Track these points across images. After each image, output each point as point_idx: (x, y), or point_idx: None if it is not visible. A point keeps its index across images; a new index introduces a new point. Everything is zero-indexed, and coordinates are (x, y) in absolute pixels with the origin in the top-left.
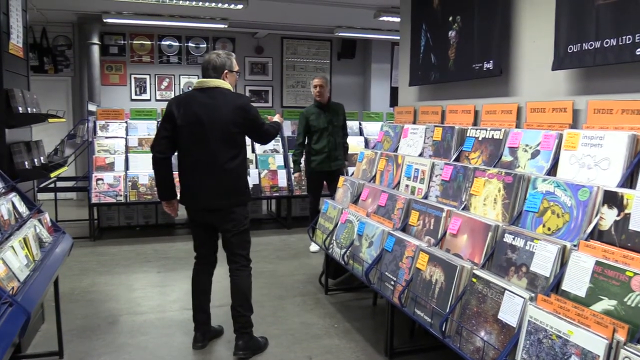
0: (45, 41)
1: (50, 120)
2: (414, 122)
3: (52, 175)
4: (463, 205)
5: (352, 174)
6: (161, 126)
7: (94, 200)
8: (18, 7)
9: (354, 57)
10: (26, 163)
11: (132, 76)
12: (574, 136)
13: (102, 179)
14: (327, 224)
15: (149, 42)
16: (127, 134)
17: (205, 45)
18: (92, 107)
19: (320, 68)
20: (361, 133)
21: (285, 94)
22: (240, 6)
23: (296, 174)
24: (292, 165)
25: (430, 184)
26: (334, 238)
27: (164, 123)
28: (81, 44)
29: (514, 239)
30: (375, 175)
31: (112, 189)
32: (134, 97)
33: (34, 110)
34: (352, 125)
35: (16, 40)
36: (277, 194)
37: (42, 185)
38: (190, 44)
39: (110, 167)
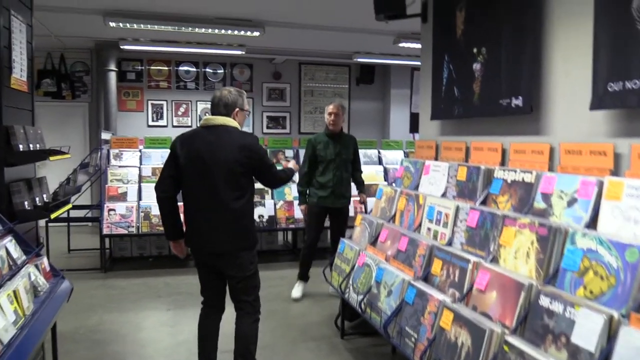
0: (63, 67)
1: (51, 158)
2: (436, 158)
3: (53, 215)
4: (491, 257)
5: (371, 211)
6: (165, 165)
7: (106, 231)
8: (22, 39)
9: (372, 83)
10: (26, 203)
11: (149, 102)
12: (617, 185)
13: (114, 210)
14: (344, 266)
15: (167, 68)
16: (140, 163)
17: (222, 71)
18: (105, 136)
19: (339, 94)
20: (380, 162)
21: (303, 120)
22: (257, 33)
23: (302, 206)
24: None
25: (455, 229)
26: (350, 282)
27: (167, 161)
28: (99, 70)
29: (551, 302)
30: (394, 215)
31: (124, 220)
32: (150, 123)
33: (38, 146)
34: (371, 153)
35: (19, 74)
36: (293, 226)
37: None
38: (207, 70)
39: (122, 197)
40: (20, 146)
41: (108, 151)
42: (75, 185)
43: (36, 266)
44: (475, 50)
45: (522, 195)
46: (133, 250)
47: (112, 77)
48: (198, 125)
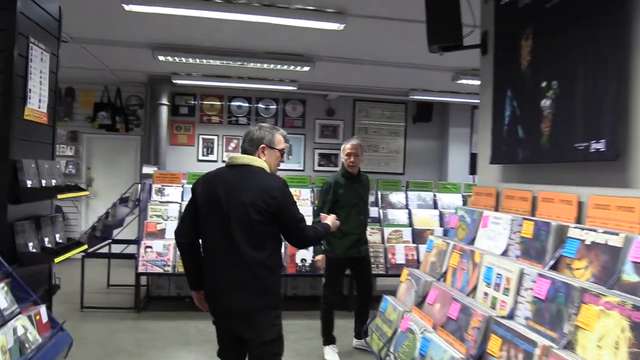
0: (118, 101)
1: (60, 196)
2: (496, 209)
3: (57, 260)
4: (566, 341)
5: (418, 266)
6: (186, 207)
7: (141, 269)
8: (44, 69)
9: (430, 121)
10: (30, 244)
11: (200, 136)
12: None
13: (150, 247)
14: (386, 328)
15: (219, 103)
16: (182, 199)
17: (275, 107)
18: (148, 170)
19: (394, 132)
20: (435, 206)
21: None
22: (307, 68)
23: (319, 257)
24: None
25: (518, 298)
26: (392, 349)
27: (188, 204)
28: (152, 104)
29: None
30: (446, 273)
31: (161, 258)
32: (200, 157)
33: (54, 182)
34: (425, 196)
35: (37, 105)
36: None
37: (90, 251)
38: (260, 105)
39: (161, 233)
40: (29, 182)
41: (150, 186)
42: (115, 219)
43: (29, 317)
44: (544, 84)
45: (605, 262)
46: (171, 289)
47: (164, 110)
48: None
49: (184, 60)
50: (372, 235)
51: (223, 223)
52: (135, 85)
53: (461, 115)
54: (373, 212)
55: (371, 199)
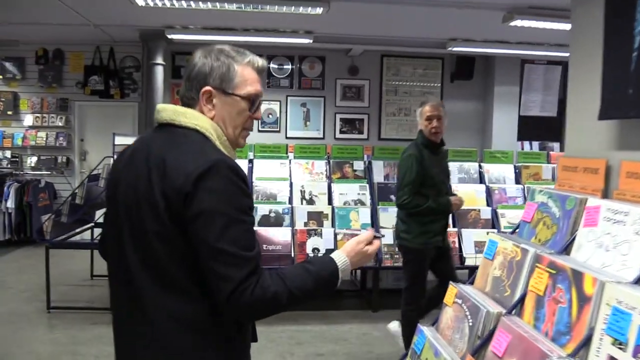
0: (112, 63)
1: None
2: (605, 194)
3: None
4: None
5: (473, 279)
6: None
7: None
8: None
9: (471, 78)
10: None
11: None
12: None
13: None
14: None
15: None
16: None
17: (290, 66)
18: (123, 140)
19: (429, 92)
20: (481, 180)
21: (384, 123)
22: (319, 10)
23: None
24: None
25: None
26: None
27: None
28: (148, 65)
29: None
30: (522, 301)
31: None
32: None
33: None
34: (468, 167)
35: None
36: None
37: (59, 239)
38: (272, 65)
39: None
40: None
41: None
42: (89, 201)
43: None
44: None
45: None
46: None
47: (159, 71)
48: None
49: (167, 3)
50: None
51: (117, 238)
52: (130, 44)
53: (509, 71)
54: None
55: None
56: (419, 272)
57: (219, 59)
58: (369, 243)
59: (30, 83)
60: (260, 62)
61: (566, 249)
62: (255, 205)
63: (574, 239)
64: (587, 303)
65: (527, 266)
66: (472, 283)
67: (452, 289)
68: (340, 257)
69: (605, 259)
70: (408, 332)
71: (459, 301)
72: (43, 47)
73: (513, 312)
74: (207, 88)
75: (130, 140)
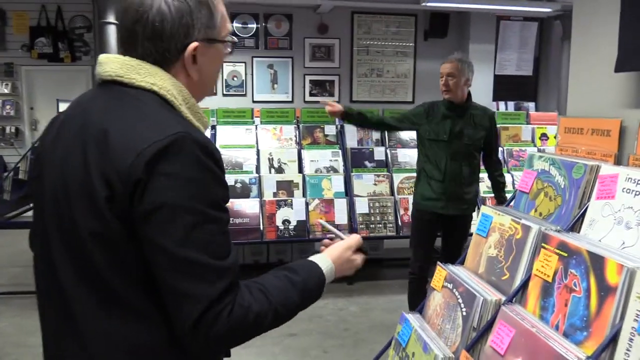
0: (60, 23)
1: None
2: (619, 159)
3: None
4: None
5: (463, 258)
6: None
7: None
8: None
9: (446, 36)
10: None
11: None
12: None
13: None
14: None
15: None
16: None
17: (254, 25)
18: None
19: (402, 51)
20: None
21: (355, 84)
22: None
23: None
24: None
25: None
26: None
27: None
28: (100, 24)
29: None
30: (524, 286)
31: None
32: None
33: None
34: None
35: None
36: (333, 236)
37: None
38: (235, 24)
39: None
40: None
41: None
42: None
43: None
44: None
45: None
46: None
47: (112, 31)
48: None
49: None
50: (378, 185)
51: (42, 237)
52: (79, 2)
53: (484, 28)
54: (378, 153)
55: (375, 135)
56: (413, 235)
57: (197, 0)
58: (357, 250)
59: None
60: None
61: (574, 225)
62: None
63: (584, 213)
64: (610, 294)
65: (530, 246)
66: (462, 263)
67: (441, 271)
68: (326, 264)
69: (625, 238)
70: (409, 299)
71: (449, 285)
72: None
73: (514, 299)
74: (194, 44)
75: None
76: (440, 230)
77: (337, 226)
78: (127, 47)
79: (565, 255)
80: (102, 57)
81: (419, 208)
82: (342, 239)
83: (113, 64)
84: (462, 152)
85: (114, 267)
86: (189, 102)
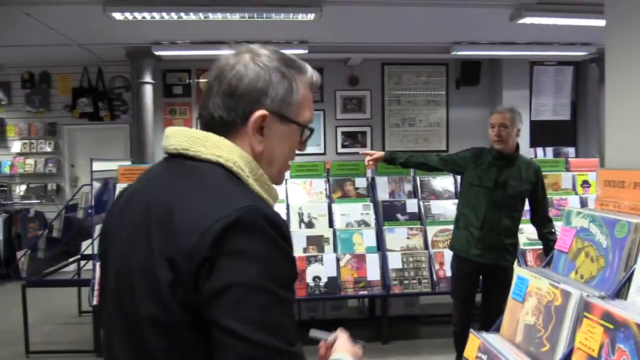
0: (101, 84)
1: None
2: None
3: None
4: None
5: (499, 324)
6: None
7: (97, 300)
8: None
9: (478, 84)
10: None
11: (199, 120)
12: None
13: None
14: None
15: None
16: None
17: None
18: (100, 166)
19: (434, 100)
20: None
21: (388, 134)
22: (312, 15)
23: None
24: None
25: None
26: None
27: None
28: (137, 84)
29: None
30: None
31: None
32: None
33: None
34: None
35: None
36: (365, 292)
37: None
38: None
39: None
40: None
41: (114, 186)
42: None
43: None
44: None
45: None
46: None
47: (148, 91)
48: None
49: (147, 16)
50: (411, 238)
51: (105, 317)
52: (118, 63)
53: (517, 74)
54: (411, 205)
55: (407, 187)
56: (453, 285)
57: (280, 71)
58: None
59: (16, 108)
60: (318, 77)
61: (619, 291)
62: None
63: (630, 276)
64: None
65: (572, 315)
66: (497, 330)
67: (474, 340)
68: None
69: None
70: (456, 349)
71: (484, 357)
72: (29, 71)
73: None
74: (263, 112)
75: (111, 165)
76: (480, 282)
77: (365, 278)
78: (203, 102)
79: (612, 327)
80: (168, 130)
81: (456, 254)
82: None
83: (179, 136)
84: (504, 202)
85: (171, 356)
86: (256, 173)
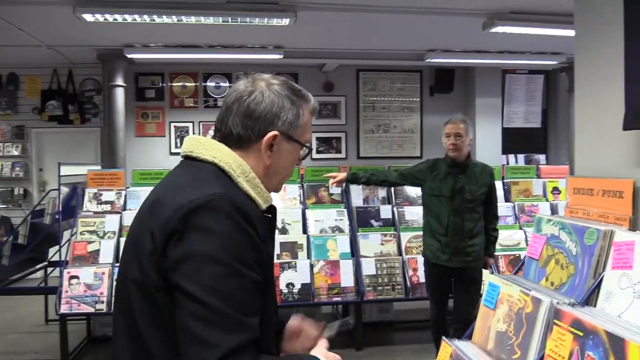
0: (71, 86)
1: None
2: (635, 224)
3: None
4: None
5: (471, 332)
6: None
7: (64, 308)
8: None
9: (452, 91)
10: None
11: (172, 124)
12: None
13: (77, 277)
14: None
15: (192, 83)
16: (124, 208)
17: None
18: (68, 171)
19: (408, 107)
20: None
21: (362, 140)
22: (286, 21)
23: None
24: None
25: None
26: None
27: None
28: (109, 87)
29: None
30: None
31: (91, 292)
32: (174, 150)
33: None
34: None
35: None
36: (339, 299)
37: None
38: None
39: (93, 257)
40: None
41: (83, 191)
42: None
43: None
44: None
45: None
46: None
47: (120, 94)
48: None
49: (118, 18)
50: (385, 244)
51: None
52: (90, 66)
53: (490, 82)
54: (385, 211)
55: (381, 193)
56: (428, 287)
57: (290, 99)
58: None
59: None
60: (317, 105)
61: (589, 298)
62: None
63: (599, 284)
64: None
65: (542, 322)
66: (470, 337)
67: (446, 347)
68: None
69: None
70: (435, 344)
71: None
72: None
73: None
74: (275, 132)
75: (81, 170)
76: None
77: (339, 284)
78: (221, 120)
79: (581, 334)
80: (185, 138)
81: (427, 260)
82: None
83: (188, 142)
84: (463, 207)
85: (144, 317)
86: (248, 175)
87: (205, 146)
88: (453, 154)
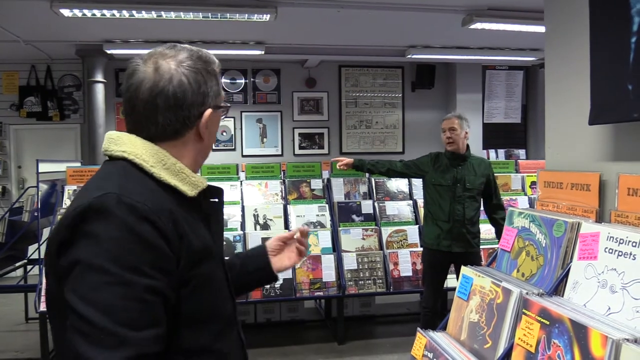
0: (50, 82)
1: None
2: (601, 216)
3: None
4: None
5: (445, 323)
6: None
7: (44, 307)
8: None
9: (433, 87)
10: None
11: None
12: None
13: None
14: None
15: None
16: None
17: (243, 81)
18: (47, 168)
19: (390, 103)
20: None
21: (345, 136)
22: (267, 16)
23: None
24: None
25: None
26: None
27: None
28: (88, 83)
29: None
30: (508, 357)
31: None
32: None
33: None
34: None
35: None
36: (321, 293)
37: None
38: (224, 80)
39: None
40: None
41: (63, 188)
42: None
43: None
44: None
45: None
46: None
47: (100, 90)
48: None
49: (97, 14)
50: (366, 239)
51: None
52: (69, 61)
53: (470, 78)
54: (366, 206)
55: (362, 189)
56: (425, 273)
57: (206, 70)
58: None
59: None
60: (212, 56)
61: (557, 288)
62: None
63: (567, 274)
64: None
65: (512, 312)
66: (444, 328)
67: (421, 338)
68: None
69: (611, 303)
70: (423, 324)
71: (430, 355)
72: None
73: None
74: (209, 110)
75: (60, 167)
76: (452, 268)
77: (321, 279)
78: (142, 120)
79: (547, 323)
80: (110, 135)
81: (428, 247)
82: None
83: (105, 140)
84: (464, 195)
85: (57, 320)
86: (167, 163)
87: (117, 142)
88: (450, 147)
